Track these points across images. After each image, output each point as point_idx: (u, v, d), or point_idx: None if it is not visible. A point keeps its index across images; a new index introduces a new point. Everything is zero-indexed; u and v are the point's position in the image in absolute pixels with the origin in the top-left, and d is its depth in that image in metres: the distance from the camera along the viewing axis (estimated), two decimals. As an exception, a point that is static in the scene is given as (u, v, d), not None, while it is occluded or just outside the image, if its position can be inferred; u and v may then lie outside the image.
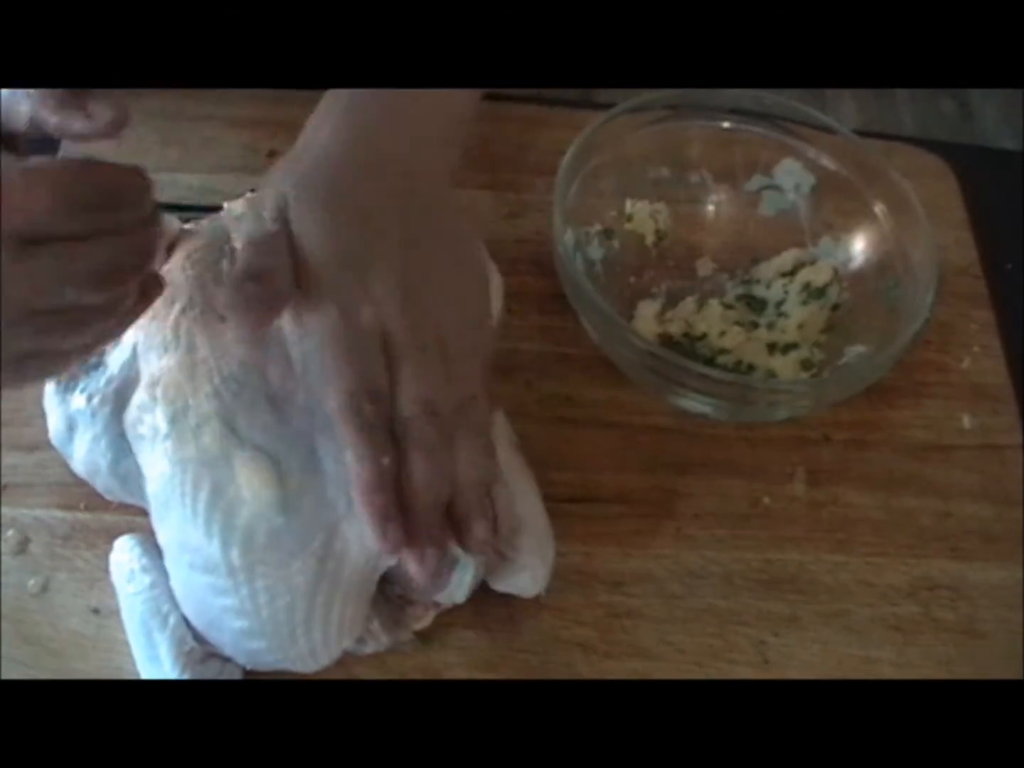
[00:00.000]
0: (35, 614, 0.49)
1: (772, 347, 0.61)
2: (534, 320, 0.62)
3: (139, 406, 0.47)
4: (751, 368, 0.60)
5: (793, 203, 0.65)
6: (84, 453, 0.49)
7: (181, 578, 0.46)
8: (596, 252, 0.63)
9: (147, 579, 0.47)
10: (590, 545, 0.54)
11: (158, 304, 0.48)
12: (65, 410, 0.49)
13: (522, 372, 0.60)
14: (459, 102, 0.56)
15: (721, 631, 0.52)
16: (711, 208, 0.67)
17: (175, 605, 0.47)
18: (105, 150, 0.63)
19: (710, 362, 0.60)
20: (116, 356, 0.49)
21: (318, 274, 0.46)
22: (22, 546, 0.51)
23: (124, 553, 0.49)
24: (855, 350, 0.60)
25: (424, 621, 0.50)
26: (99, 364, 0.49)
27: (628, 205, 0.65)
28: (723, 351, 0.61)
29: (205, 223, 0.53)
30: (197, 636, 0.46)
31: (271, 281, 0.46)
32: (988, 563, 0.56)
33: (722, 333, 0.61)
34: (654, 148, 0.64)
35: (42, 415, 0.51)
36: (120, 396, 0.48)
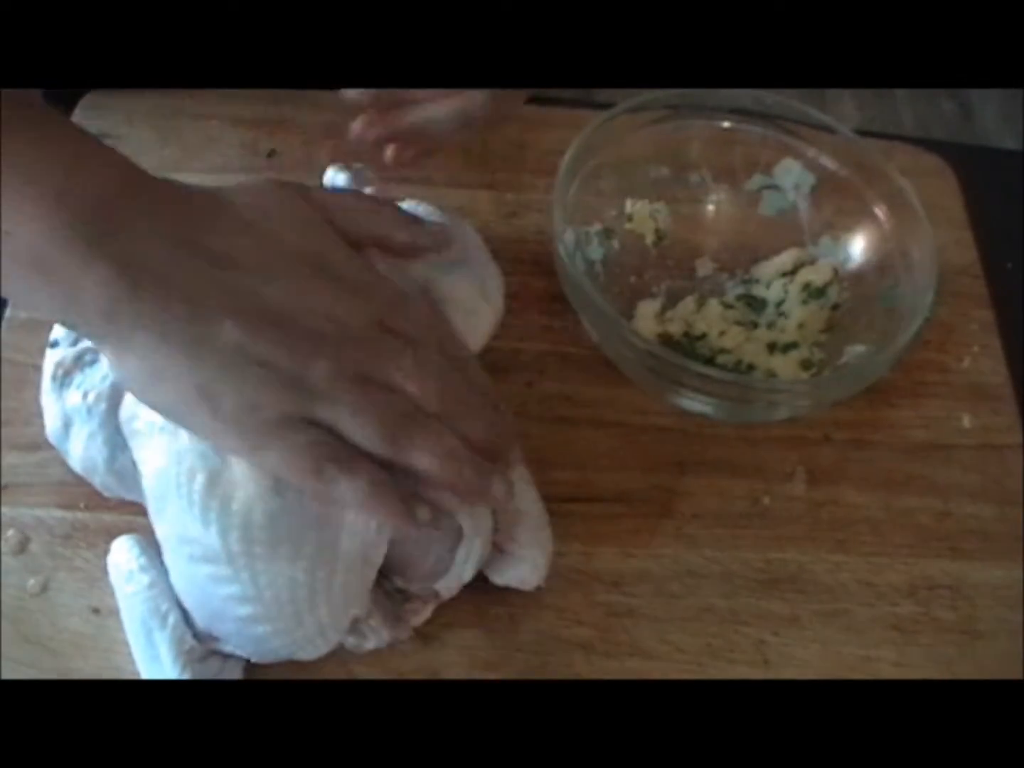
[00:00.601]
0: (35, 614, 0.49)
1: (772, 347, 0.61)
2: (534, 320, 0.62)
3: (134, 401, 0.47)
4: (751, 368, 0.60)
5: (793, 203, 0.65)
6: (81, 450, 0.49)
7: (182, 571, 0.46)
8: (596, 252, 0.63)
9: (146, 579, 0.47)
10: (590, 545, 0.54)
11: None
12: (61, 407, 0.50)
13: (522, 372, 0.60)
14: None
15: (721, 631, 0.52)
16: (711, 208, 0.67)
17: (174, 604, 0.47)
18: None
19: (710, 362, 0.60)
20: None
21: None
22: (22, 546, 0.51)
23: (122, 553, 0.49)
24: (855, 350, 0.60)
25: (423, 615, 0.50)
26: (94, 360, 0.50)
27: (628, 205, 0.65)
28: (723, 351, 0.61)
29: None
30: (197, 634, 0.46)
31: None
32: (988, 563, 0.56)
33: (722, 333, 0.61)
34: (654, 148, 0.64)
35: (41, 415, 0.51)
36: (116, 392, 0.48)
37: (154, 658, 0.46)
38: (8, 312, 0.58)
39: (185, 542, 0.45)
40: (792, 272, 0.64)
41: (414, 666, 0.50)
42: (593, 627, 0.52)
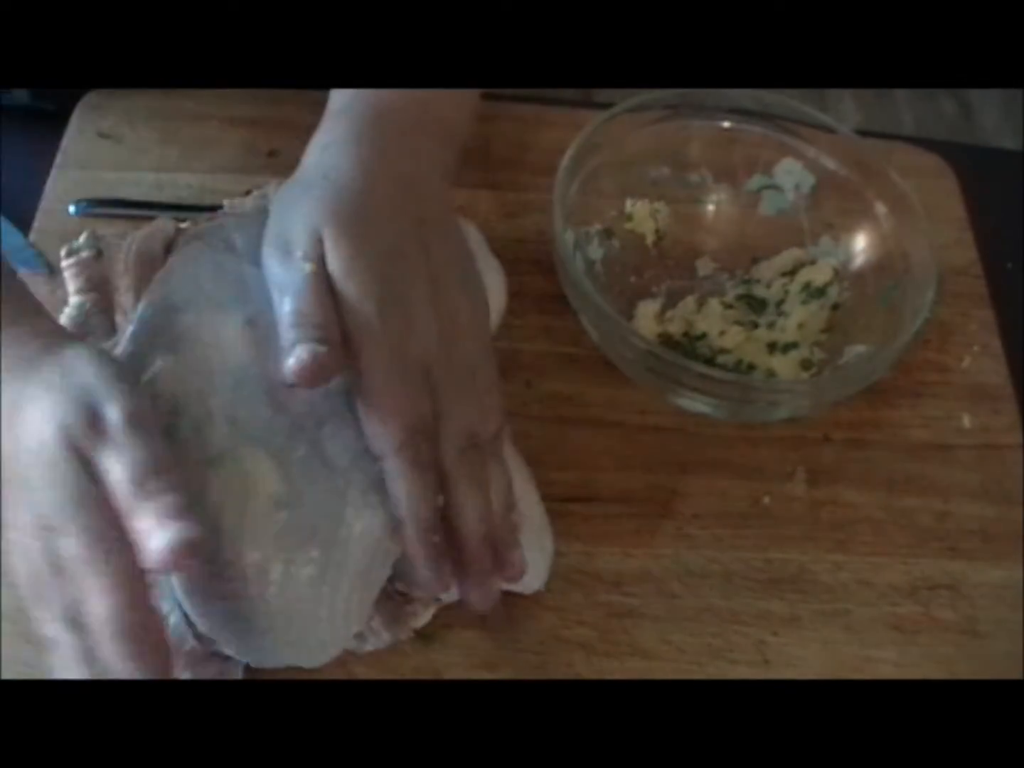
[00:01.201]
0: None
1: (772, 347, 0.61)
2: (534, 320, 0.62)
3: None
4: (751, 368, 0.60)
5: (793, 203, 0.65)
6: None
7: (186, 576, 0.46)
8: (596, 252, 0.63)
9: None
10: (590, 545, 0.54)
11: (156, 300, 0.48)
12: None
13: (522, 372, 0.60)
14: (454, 109, 0.56)
15: (721, 631, 0.52)
16: (711, 208, 0.67)
17: (175, 605, 0.46)
18: (105, 148, 0.63)
19: (710, 362, 0.60)
20: (120, 348, 0.49)
21: (363, 313, 0.45)
22: (22, 546, 0.51)
23: None
24: (855, 350, 0.60)
25: (424, 617, 0.50)
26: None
27: (628, 205, 0.65)
28: (723, 351, 0.61)
29: (204, 223, 0.53)
30: (198, 635, 0.46)
31: (328, 336, 0.44)
32: (988, 563, 0.56)
33: (722, 333, 0.61)
34: (654, 148, 0.64)
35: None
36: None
37: None
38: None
39: None
40: (792, 272, 0.64)
41: (414, 666, 0.50)
42: (593, 627, 0.52)
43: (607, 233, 0.64)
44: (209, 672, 0.46)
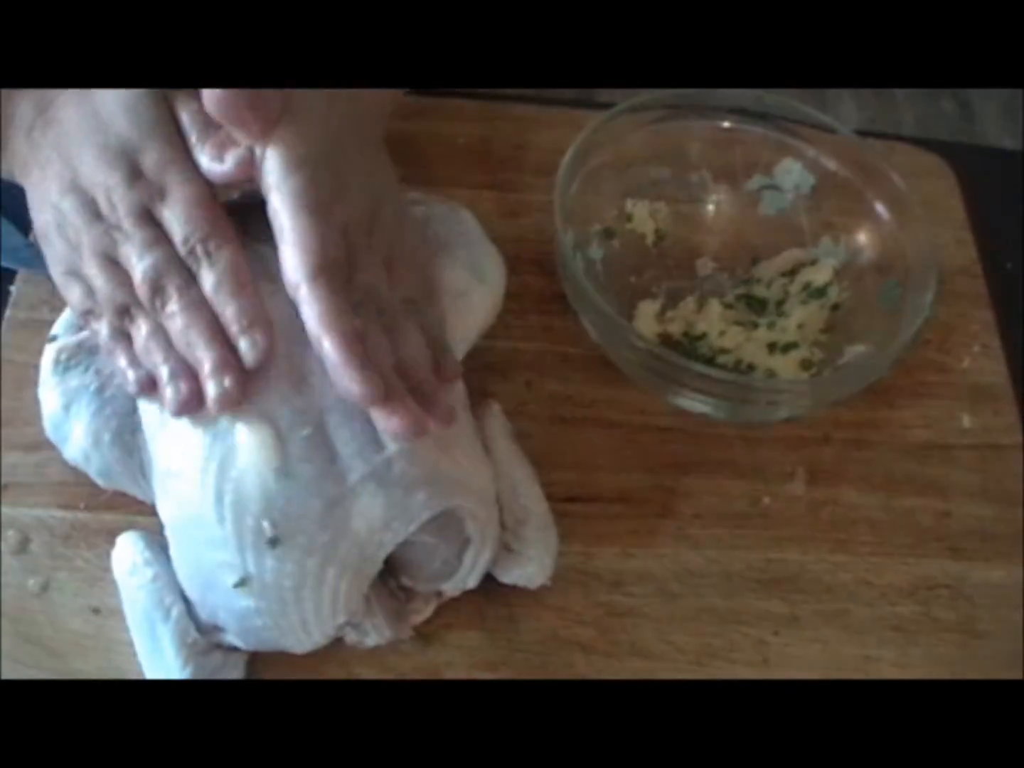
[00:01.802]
0: (35, 614, 0.49)
1: (772, 347, 0.61)
2: (534, 320, 0.62)
3: None
4: (751, 368, 0.60)
5: (793, 203, 0.65)
6: (83, 429, 0.49)
7: (178, 536, 0.47)
8: (596, 252, 0.63)
9: (150, 572, 0.47)
10: (590, 545, 0.54)
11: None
12: (63, 389, 0.50)
13: (522, 372, 0.60)
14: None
15: (721, 631, 0.52)
16: (711, 208, 0.67)
17: (178, 597, 0.47)
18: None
19: (710, 362, 0.60)
20: None
21: (298, 168, 0.47)
22: (22, 546, 0.51)
23: (127, 548, 0.49)
24: (855, 350, 0.60)
25: (425, 613, 0.50)
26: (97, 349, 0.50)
27: (628, 205, 0.65)
28: (723, 351, 0.61)
29: None
30: (200, 627, 0.47)
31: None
32: (988, 563, 0.56)
33: (722, 333, 0.61)
34: (654, 148, 0.64)
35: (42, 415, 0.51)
36: None
37: (157, 651, 0.46)
38: (8, 312, 0.58)
39: (183, 505, 0.46)
40: (792, 272, 0.64)
41: (414, 666, 0.50)
42: (593, 627, 0.52)
43: (607, 233, 0.64)
44: (211, 664, 0.47)
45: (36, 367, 0.52)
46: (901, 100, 1.76)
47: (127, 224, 0.47)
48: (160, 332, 0.47)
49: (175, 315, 0.46)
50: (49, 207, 0.49)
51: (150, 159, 0.47)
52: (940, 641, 0.53)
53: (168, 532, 0.48)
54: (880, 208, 0.62)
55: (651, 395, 0.59)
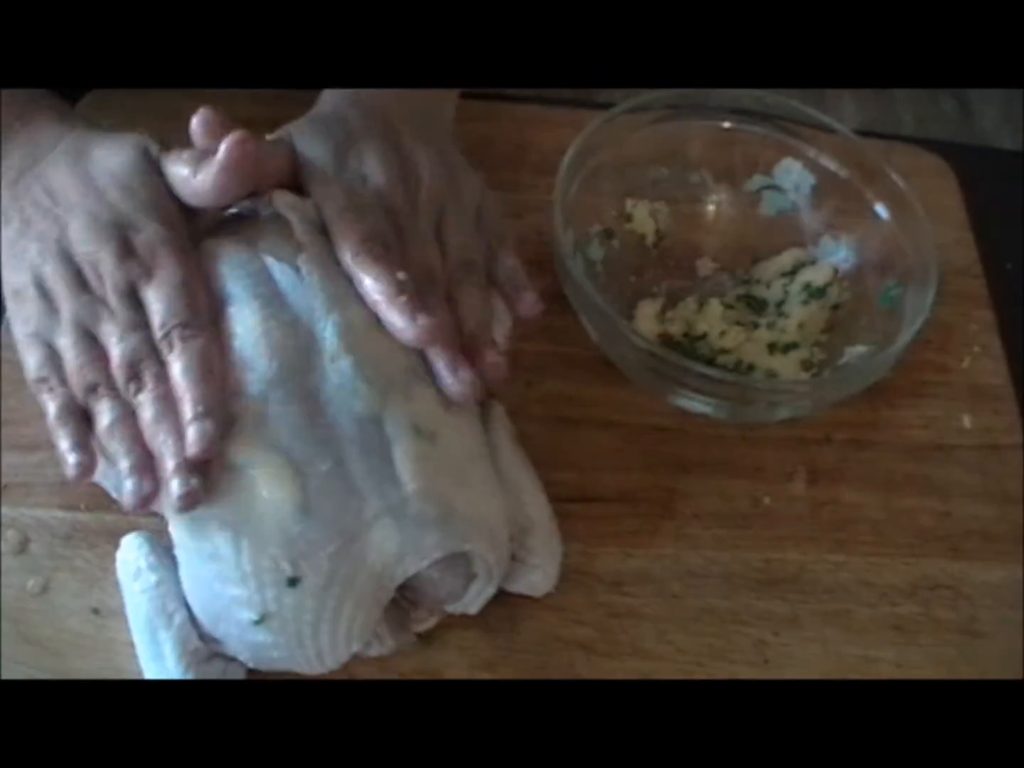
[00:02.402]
0: (35, 614, 0.49)
1: (772, 347, 0.61)
2: (534, 320, 0.62)
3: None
4: (751, 368, 0.60)
5: (793, 203, 0.65)
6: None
7: (190, 566, 0.46)
8: (596, 252, 0.63)
9: (153, 577, 0.47)
10: (590, 545, 0.54)
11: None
12: None
13: (522, 372, 0.59)
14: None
15: (721, 631, 0.52)
16: (711, 208, 0.67)
17: (181, 604, 0.47)
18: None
19: (710, 362, 0.60)
20: None
21: (319, 167, 0.50)
22: (22, 546, 0.51)
23: (131, 551, 0.49)
24: (855, 350, 0.60)
25: (427, 624, 0.50)
26: None
27: (628, 205, 0.65)
28: (723, 351, 0.61)
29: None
30: (202, 635, 0.46)
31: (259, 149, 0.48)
32: (988, 563, 0.56)
33: (722, 333, 0.61)
34: (654, 148, 0.64)
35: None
36: None
37: (158, 657, 0.46)
38: (8, 312, 0.58)
39: (197, 538, 0.45)
40: (792, 272, 0.64)
41: (414, 666, 0.50)
42: (593, 627, 0.52)
43: (607, 233, 0.64)
44: (212, 671, 0.46)
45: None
46: (901, 100, 1.76)
47: (113, 301, 0.47)
48: (128, 418, 0.46)
49: (147, 404, 0.45)
50: (27, 266, 0.48)
51: (142, 237, 0.47)
52: (940, 641, 0.53)
53: (178, 555, 0.47)
54: (880, 208, 0.62)
55: (651, 395, 0.59)
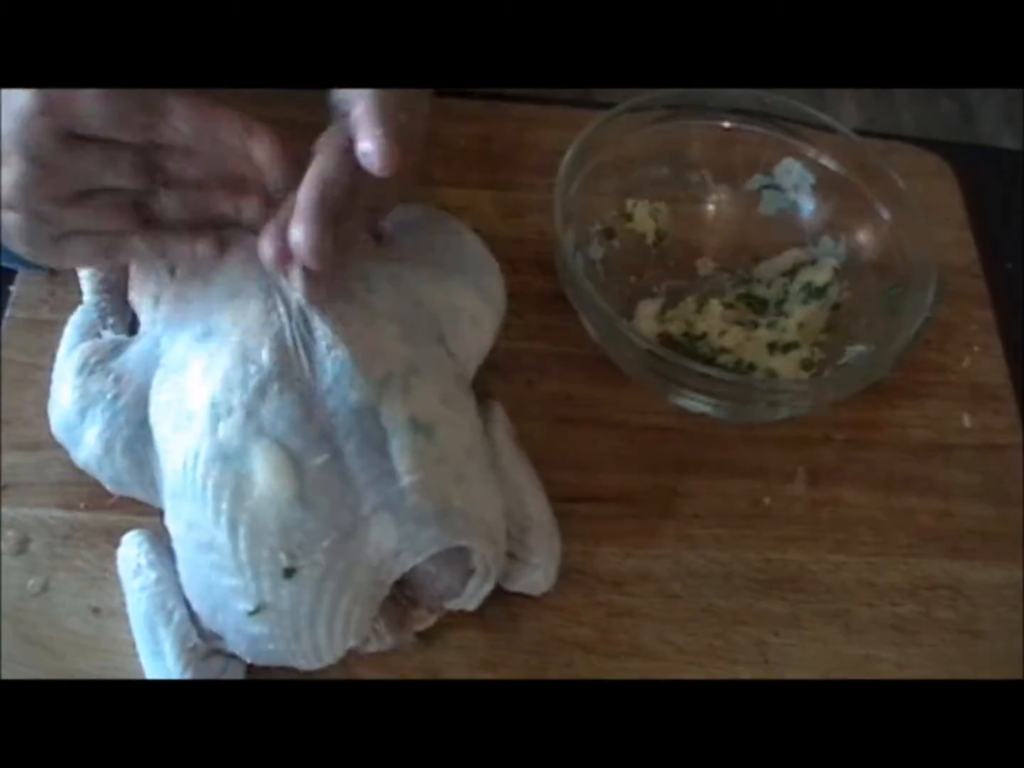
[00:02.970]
0: (35, 614, 0.49)
1: (772, 347, 0.61)
2: (534, 320, 0.62)
3: (163, 389, 0.47)
4: (751, 368, 0.60)
5: (793, 203, 0.65)
6: (96, 435, 0.49)
7: (187, 557, 0.46)
8: (596, 252, 0.63)
9: (153, 574, 0.47)
10: (590, 545, 0.54)
11: (191, 285, 0.49)
12: (84, 392, 0.49)
13: (522, 372, 0.60)
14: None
15: (721, 631, 0.52)
16: (711, 208, 0.67)
17: (180, 601, 0.47)
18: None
19: (710, 362, 0.60)
20: (145, 340, 0.50)
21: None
22: (22, 546, 0.51)
23: (131, 548, 0.49)
24: (855, 350, 0.60)
25: (427, 622, 0.50)
26: (127, 344, 0.50)
27: (628, 205, 0.65)
28: (723, 350, 0.61)
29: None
30: (201, 632, 0.46)
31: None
32: (988, 563, 0.56)
33: (722, 332, 0.61)
34: (654, 148, 0.64)
35: (42, 415, 0.51)
36: (146, 379, 0.49)
37: (157, 654, 0.46)
38: (8, 312, 0.58)
39: (193, 528, 0.45)
40: (792, 272, 0.64)
41: (414, 666, 0.50)
42: (593, 627, 0.52)
43: (607, 233, 0.64)
44: (212, 669, 0.46)
45: (36, 367, 0.53)
46: (901, 100, 1.76)
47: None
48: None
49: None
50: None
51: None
52: (940, 641, 0.53)
53: (176, 547, 0.47)
54: (880, 208, 0.62)
55: (651, 395, 0.59)
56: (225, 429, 0.45)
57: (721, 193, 0.66)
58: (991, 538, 0.57)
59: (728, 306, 0.63)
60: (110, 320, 0.54)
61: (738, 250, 0.66)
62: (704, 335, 0.61)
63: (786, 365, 0.60)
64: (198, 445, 0.45)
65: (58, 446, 0.51)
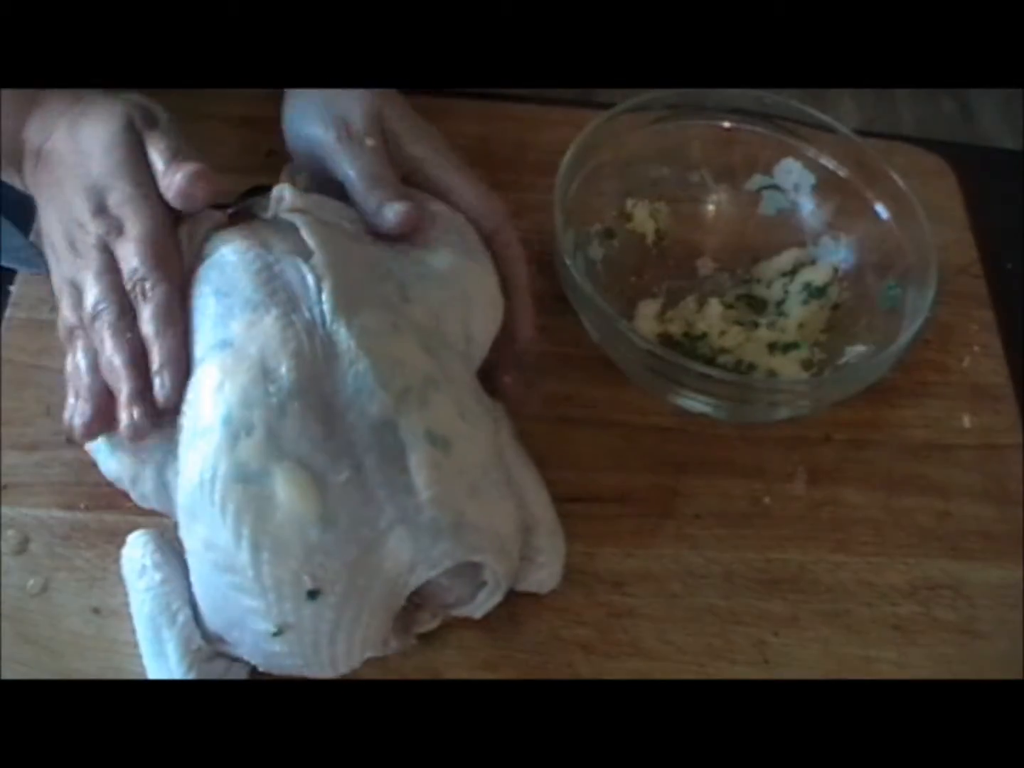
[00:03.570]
0: (35, 614, 0.49)
1: (772, 347, 0.61)
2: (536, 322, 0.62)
3: (185, 405, 0.46)
4: (751, 368, 0.60)
5: (793, 203, 0.65)
6: (129, 459, 0.48)
7: (204, 576, 0.46)
8: (596, 252, 0.63)
9: (158, 575, 0.47)
10: (591, 545, 0.54)
11: (207, 295, 0.48)
12: None
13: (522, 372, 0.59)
14: None
15: (721, 631, 0.52)
16: (711, 208, 0.67)
17: (185, 603, 0.46)
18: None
19: (710, 362, 0.60)
20: None
21: (439, 153, 0.56)
22: (22, 546, 0.51)
23: (136, 549, 0.48)
24: (855, 350, 0.60)
25: (430, 625, 0.50)
26: None
27: (628, 205, 0.65)
28: (723, 351, 0.61)
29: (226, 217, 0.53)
30: (206, 635, 0.46)
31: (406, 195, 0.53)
32: (988, 563, 0.56)
33: (722, 333, 0.61)
34: (654, 148, 0.64)
35: (42, 415, 0.51)
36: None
37: (160, 656, 0.46)
38: (8, 312, 0.58)
39: (211, 548, 0.44)
40: (792, 272, 0.64)
41: (414, 666, 0.50)
42: (593, 627, 0.52)
43: (607, 233, 0.64)
44: (215, 671, 0.46)
45: (36, 367, 0.52)
46: (901, 100, 1.76)
47: (88, 254, 0.49)
48: (90, 355, 0.48)
49: (104, 341, 0.47)
50: (44, 231, 0.53)
51: (114, 196, 0.50)
52: (940, 641, 0.53)
53: (190, 560, 0.46)
54: (880, 208, 0.62)
55: (651, 395, 0.59)
56: (245, 448, 0.44)
57: (721, 193, 0.66)
58: (991, 538, 0.57)
59: (728, 306, 0.63)
60: None
61: (738, 250, 0.66)
62: (704, 335, 0.61)
63: (786, 365, 0.60)
64: (215, 463, 0.44)
65: (58, 446, 0.51)
